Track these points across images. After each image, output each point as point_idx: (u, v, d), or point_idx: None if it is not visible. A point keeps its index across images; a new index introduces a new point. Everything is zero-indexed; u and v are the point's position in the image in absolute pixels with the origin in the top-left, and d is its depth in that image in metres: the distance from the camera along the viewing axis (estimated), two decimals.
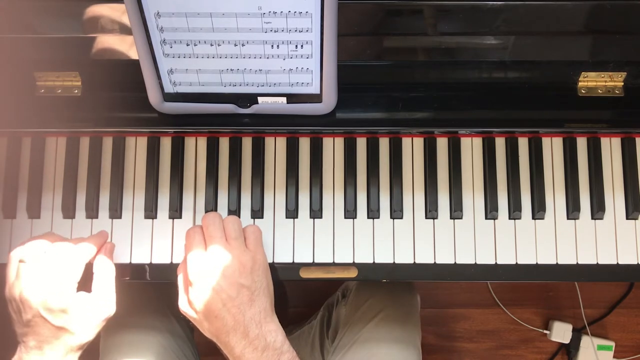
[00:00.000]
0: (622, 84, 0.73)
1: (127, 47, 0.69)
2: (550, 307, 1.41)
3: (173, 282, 0.73)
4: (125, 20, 0.65)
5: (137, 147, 0.75)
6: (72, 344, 0.62)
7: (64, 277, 0.62)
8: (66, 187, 0.73)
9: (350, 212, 0.73)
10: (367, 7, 0.66)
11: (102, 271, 0.66)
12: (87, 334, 0.63)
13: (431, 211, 0.73)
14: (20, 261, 0.62)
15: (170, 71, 0.66)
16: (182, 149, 0.74)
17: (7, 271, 0.63)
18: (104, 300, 0.64)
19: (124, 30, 0.67)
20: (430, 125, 0.74)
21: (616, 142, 0.75)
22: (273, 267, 0.72)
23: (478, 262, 0.72)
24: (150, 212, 0.73)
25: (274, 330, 0.62)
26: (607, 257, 0.72)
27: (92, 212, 0.73)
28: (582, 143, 0.75)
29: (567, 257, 0.72)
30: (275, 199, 0.74)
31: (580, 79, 0.73)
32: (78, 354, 0.63)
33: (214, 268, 0.62)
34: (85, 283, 0.65)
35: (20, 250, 0.63)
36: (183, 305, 0.64)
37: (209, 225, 0.64)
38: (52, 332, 0.60)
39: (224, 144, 0.75)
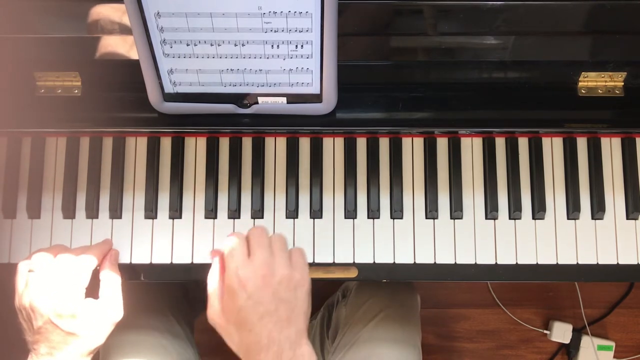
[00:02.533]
0: (622, 84, 0.73)
1: (127, 47, 0.69)
2: (550, 307, 1.41)
3: (173, 282, 0.73)
4: (125, 20, 0.65)
5: (137, 147, 0.75)
6: (82, 349, 0.63)
7: (72, 283, 0.63)
8: (66, 187, 0.73)
9: (350, 212, 0.73)
10: (367, 7, 0.66)
11: (108, 278, 0.67)
12: (97, 339, 0.64)
13: (431, 211, 0.73)
14: (29, 270, 0.64)
15: (170, 71, 0.66)
16: (182, 149, 0.74)
17: (15, 282, 0.64)
18: (112, 305, 0.66)
19: (124, 30, 0.67)
20: (430, 125, 0.74)
21: (616, 142, 0.75)
22: None
23: (478, 262, 0.72)
24: (150, 212, 0.73)
25: (307, 354, 0.59)
26: (607, 257, 0.72)
27: (92, 212, 0.73)
28: (582, 143, 0.75)
29: (567, 257, 0.72)
30: (275, 199, 0.74)
31: (580, 79, 0.73)
32: (89, 358, 0.64)
33: (256, 278, 0.58)
34: (92, 290, 0.66)
35: (28, 261, 0.65)
36: (214, 314, 0.60)
37: (255, 236, 0.61)
38: (62, 338, 0.61)
39: (224, 144, 0.75)
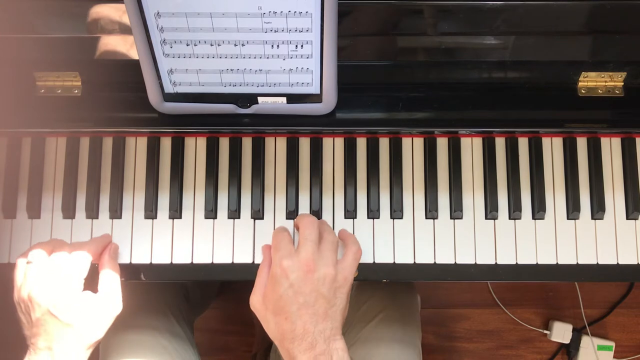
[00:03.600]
0: (622, 84, 0.73)
1: (127, 47, 0.69)
2: (550, 307, 1.41)
3: (173, 282, 0.73)
4: (125, 20, 0.65)
5: (137, 147, 0.75)
6: (81, 342, 0.63)
7: (70, 275, 0.64)
8: (66, 187, 0.73)
9: (350, 212, 0.73)
10: (367, 7, 0.66)
11: (107, 271, 0.67)
12: (96, 332, 0.64)
13: (431, 211, 0.73)
14: (28, 262, 0.64)
15: (170, 71, 0.66)
16: (182, 149, 0.74)
17: (14, 275, 0.65)
18: (111, 298, 0.66)
19: (124, 30, 0.67)
20: (430, 125, 0.74)
21: (616, 142, 0.75)
22: None
23: (478, 262, 0.72)
24: (150, 212, 0.73)
25: (341, 349, 0.60)
26: (607, 257, 0.72)
27: (92, 213, 0.73)
28: (582, 143, 0.75)
29: (567, 257, 0.72)
30: (275, 199, 0.74)
31: (580, 79, 0.73)
32: (88, 353, 0.64)
33: (299, 270, 0.60)
34: (91, 284, 0.66)
35: (26, 255, 0.65)
36: (256, 301, 0.63)
37: (305, 229, 0.64)
38: (60, 330, 0.61)
39: (224, 144, 0.75)
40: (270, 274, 0.62)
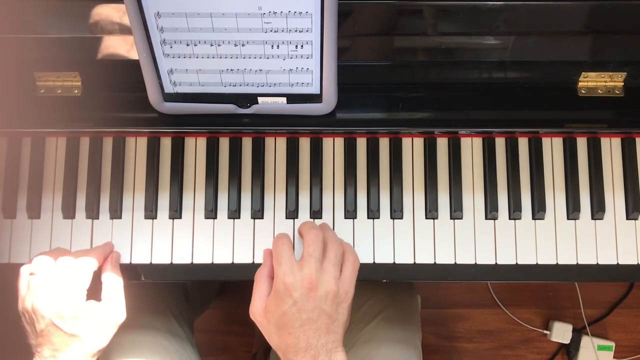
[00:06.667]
0: (622, 84, 0.73)
1: (127, 47, 0.69)
2: (550, 307, 1.41)
3: (173, 282, 0.73)
4: (125, 20, 0.65)
5: (137, 147, 0.75)
6: (86, 351, 0.63)
7: (73, 285, 0.64)
8: (66, 188, 0.73)
9: (350, 212, 0.73)
10: (367, 7, 0.66)
11: (110, 280, 0.68)
12: (100, 341, 0.64)
13: (431, 211, 0.73)
14: (31, 274, 0.64)
15: (170, 71, 0.66)
16: (182, 149, 0.74)
17: (18, 285, 0.65)
18: (114, 307, 0.66)
19: (124, 30, 0.67)
20: (430, 125, 0.74)
21: (616, 142, 0.75)
22: None
23: (478, 262, 0.72)
24: (150, 212, 0.73)
25: None
26: (607, 257, 0.72)
27: (92, 213, 0.73)
28: (582, 143, 0.75)
29: (567, 257, 0.72)
30: (275, 199, 0.74)
31: (580, 79, 0.73)
32: None
33: (302, 288, 0.61)
34: (95, 293, 0.66)
35: (30, 264, 0.65)
36: (256, 312, 0.63)
37: (310, 244, 0.64)
38: (65, 340, 0.62)
39: (224, 144, 0.75)
40: (274, 289, 0.62)
